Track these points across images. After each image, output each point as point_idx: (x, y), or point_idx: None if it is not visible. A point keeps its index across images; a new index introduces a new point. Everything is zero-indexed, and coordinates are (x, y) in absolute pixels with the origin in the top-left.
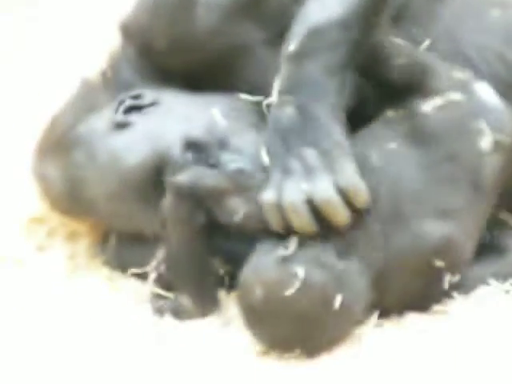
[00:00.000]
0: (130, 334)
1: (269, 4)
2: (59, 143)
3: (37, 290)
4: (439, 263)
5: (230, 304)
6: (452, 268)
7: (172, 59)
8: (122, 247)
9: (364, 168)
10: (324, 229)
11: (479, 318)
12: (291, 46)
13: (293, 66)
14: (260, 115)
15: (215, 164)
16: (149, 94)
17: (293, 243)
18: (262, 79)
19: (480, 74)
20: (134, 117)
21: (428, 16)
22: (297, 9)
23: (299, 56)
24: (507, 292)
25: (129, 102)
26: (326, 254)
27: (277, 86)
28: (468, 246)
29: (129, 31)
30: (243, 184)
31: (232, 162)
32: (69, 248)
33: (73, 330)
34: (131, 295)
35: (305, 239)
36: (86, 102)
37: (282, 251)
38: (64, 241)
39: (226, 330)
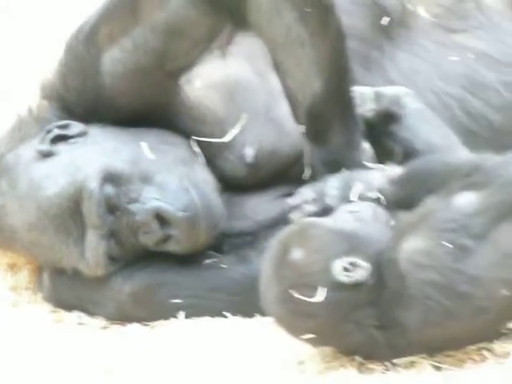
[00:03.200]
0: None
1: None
2: None
3: None
4: None
5: None
6: None
7: (92, 118)
8: (57, 284)
9: None
10: None
11: None
12: None
13: None
14: (190, 151)
15: (136, 198)
16: (77, 125)
17: None
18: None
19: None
20: (59, 146)
21: (384, 62)
22: None
23: None
24: None
25: (56, 132)
26: None
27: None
28: None
29: (46, 92)
30: None
31: (153, 198)
32: (11, 279)
33: (15, 360)
34: (75, 326)
35: None
36: (18, 133)
37: None
38: (5, 272)
39: None
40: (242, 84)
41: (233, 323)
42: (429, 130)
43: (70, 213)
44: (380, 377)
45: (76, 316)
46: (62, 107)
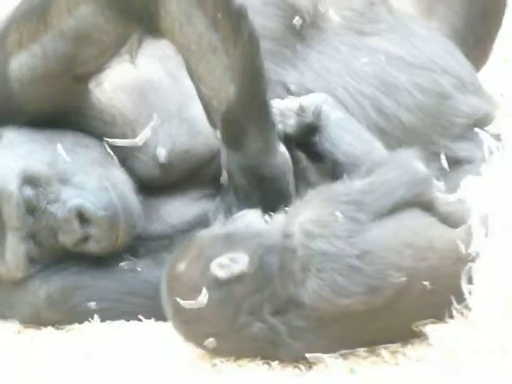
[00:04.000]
0: None
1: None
2: None
3: None
4: None
5: None
6: None
7: (5, 122)
8: None
9: None
10: None
11: None
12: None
13: None
14: (104, 153)
15: (56, 199)
16: None
17: None
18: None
19: (355, 119)
20: None
21: (297, 61)
22: None
23: None
24: None
25: None
26: None
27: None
28: None
29: None
30: None
31: (73, 197)
32: None
33: None
34: None
35: None
36: None
37: None
38: None
39: None
40: (153, 85)
41: (147, 327)
42: (349, 141)
43: None
44: (293, 376)
45: None
46: None
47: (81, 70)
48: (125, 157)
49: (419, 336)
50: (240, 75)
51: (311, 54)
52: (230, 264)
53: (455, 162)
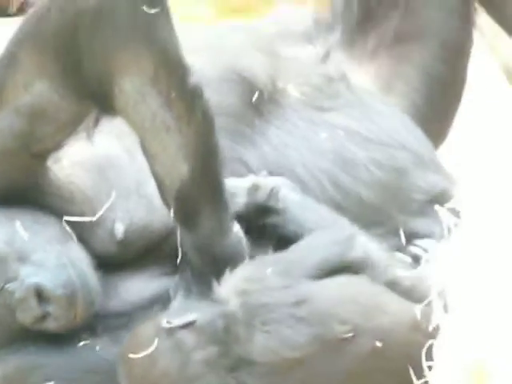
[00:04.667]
0: None
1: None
2: None
3: None
4: None
5: None
6: None
7: None
8: None
9: None
10: None
11: None
12: None
13: None
14: (63, 230)
15: (14, 277)
16: None
17: None
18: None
19: (314, 196)
20: None
21: (255, 137)
22: None
23: None
24: None
25: None
26: None
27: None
28: None
29: None
30: None
31: (32, 275)
32: None
33: None
34: None
35: None
36: None
37: None
38: None
39: None
40: (111, 161)
41: None
42: (314, 220)
43: None
44: None
45: None
46: None
47: (38, 147)
48: (82, 233)
49: None
50: (193, 154)
51: (270, 129)
52: (180, 316)
53: (414, 238)
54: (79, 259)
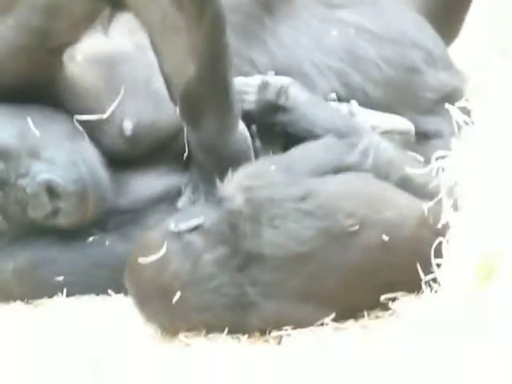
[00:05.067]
0: None
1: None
2: None
3: None
4: None
5: None
6: None
7: None
8: None
9: None
10: None
11: None
12: None
13: None
14: (73, 127)
15: (25, 173)
16: None
17: None
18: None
19: (321, 95)
20: None
21: (265, 36)
22: None
23: None
24: None
25: None
26: None
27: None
28: None
29: None
30: None
31: (43, 171)
32: None
33: None
34: None
35: None
36: None
37: None
38: None
39: None
40: (122, 57)
41: (116, 301)
42: (326, 117)
43: None
44: (262, 350)
45: None
46: None
47: (53, 42)
48: (92, 130)
49: (388, 309)
50: (201, 55)
51: (280, 28)
52: (187, 221)
53: (424, 136)
54: (90, 156)
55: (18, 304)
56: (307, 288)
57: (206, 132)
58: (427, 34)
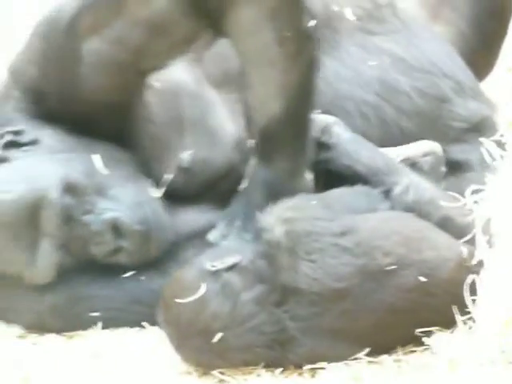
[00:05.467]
0: None
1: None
2: None
3: None
4: None
5: None
6: None
7: (59, 109)
8: None
9: None
10: None
11: None
12: None
13: None
14: (136, 167)
15: (91, 210)
16: (30, 132)
17: None
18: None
19: (360, 133)
20: (12, 153)
21: None
22: None
23: None
24: None
25: (8, 138)
26: None
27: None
28: None
29: (18, 77)
30: None
31: (109, 210)
32: None
33: None
34: None
35: None
36: None
37: None
38: None
39: None
40: (183, 89)
41: (151, 333)
42: (368, 155)
43: (26, 219)
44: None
45: None
46: (25, 96)
47: (147, 62)
48: (152, 161)
49: (422, 344)
50: (289, 94)
51: (325, 60)
52: (223, 260)
53: (452, 166)
54: (153, 198)
55: (52, 335)
56: (342, 325)
57: (277, 170)
58: (457, 64)
